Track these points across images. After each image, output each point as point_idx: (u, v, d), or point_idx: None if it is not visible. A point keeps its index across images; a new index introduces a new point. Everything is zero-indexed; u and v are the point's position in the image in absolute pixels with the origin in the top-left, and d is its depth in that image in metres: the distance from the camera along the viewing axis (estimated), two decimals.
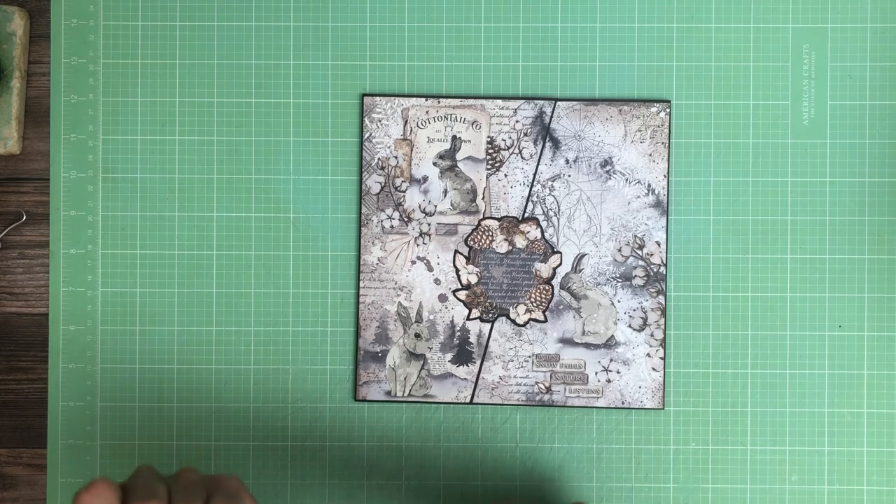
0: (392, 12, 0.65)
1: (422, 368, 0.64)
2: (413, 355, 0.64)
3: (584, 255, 0.64)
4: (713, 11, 0.65)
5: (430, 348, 0.64)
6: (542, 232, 0.64)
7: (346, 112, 0.65)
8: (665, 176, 0.64)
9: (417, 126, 0.64)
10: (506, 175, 0.64)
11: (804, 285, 0.64)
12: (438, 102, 0.64)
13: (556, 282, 0.64)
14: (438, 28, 0.65)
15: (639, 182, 0.64)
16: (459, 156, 0.64)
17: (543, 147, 0.64)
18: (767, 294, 0.64)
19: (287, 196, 0.65)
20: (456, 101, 0.64)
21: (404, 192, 0.64)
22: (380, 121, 0.64)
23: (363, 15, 0.65)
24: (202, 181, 0.65)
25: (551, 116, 0.64)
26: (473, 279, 0.64)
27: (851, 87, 0.64)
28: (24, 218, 0.65)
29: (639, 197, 0.64)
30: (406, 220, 0.64)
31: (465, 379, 0.64)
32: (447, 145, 0.64)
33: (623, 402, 0.64)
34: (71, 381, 0.65)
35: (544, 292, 0.64)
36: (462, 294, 0.64)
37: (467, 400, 0.64)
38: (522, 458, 0.65)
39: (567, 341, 0.64)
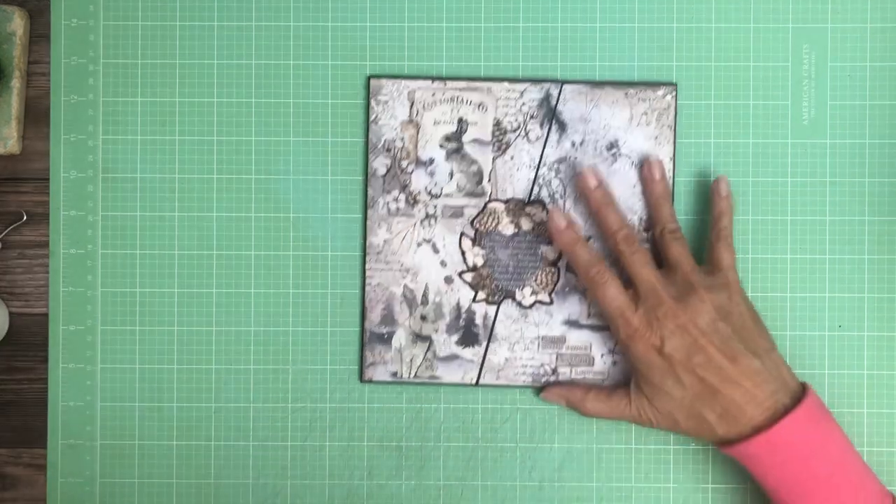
0: (392, 11, 0.65)
1: (428, 350, 0.64)
2: (419, 337, 0.64)
3: (589, 238, 0.64)
4: (713, 11, 0.65)
5: (436, 330, 0.64)
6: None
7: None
8: (671, 159, 0.64)
9: (423, 108, 0.64)
10: (512, 157, 0.64)
11: (804, 285, 0.64)
12: (444, 84, 0.64)
13: (562, 264, 0.64)
14: (439, 28, 0.65)
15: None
16: (466, 138, 0.64)
17: (550, 129, 0.64)
18: (767, 294, 0.64)
19: (287, 196, 0.65)
20: (462, 84, 0.64)
21: (410, 174, 0.64)
22: (386, 103, 0.64)
23: (363, 15, 0.65)
24: (202, 181, 0.65)
25: (557, 99, 0.64)
26: (479, 261, 0.64)
27: (851, 87, 0.64)
28: (25, 218, 0.65)
29: None
30: (412, 202, 0.64)
31: (470, 360, 0.64)
32: (453, 127, 0.64)
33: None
34: (71, 381, 0.65)
35: (550, 274, 0.64)
36: (468, 276, 0.64)
37: (473, 381, 0.64)
38: (522, 458, 0.65)
39: (573, 323, 0.64)
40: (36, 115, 0.65)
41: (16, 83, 0.64)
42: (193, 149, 0.65)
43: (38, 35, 0.65)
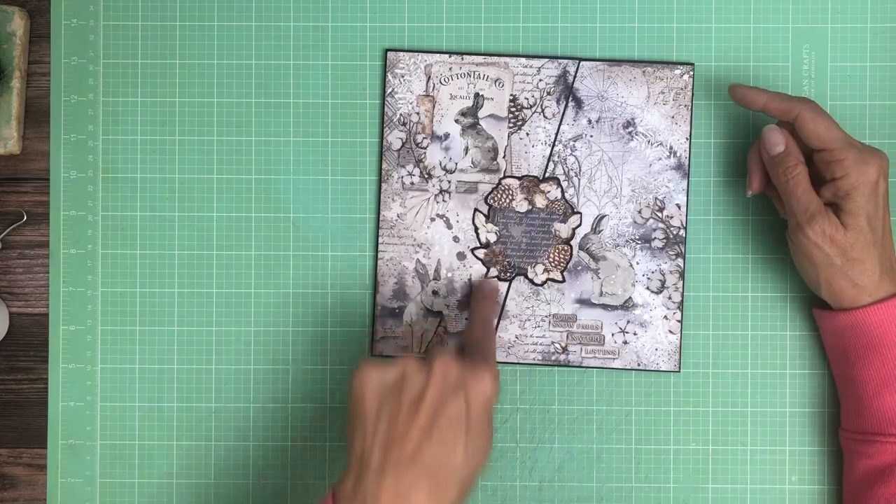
0: (393, 11, 0.65)
1: (438, 325, 0.64)
2: (430, 312, 0.64)
3: (603, 217, 0.64)
4: (713, 11, 0.65)
5: (448, 306, 0.64)
6: (563, 192, 0.64)
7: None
8: (687, 139, 0.64)
9: (440, 82, 0.64)
10: (528, 134, 0.64)
11: (805, 285, 0.64)
12: (462, 59, 0.64)
13: (574, 242, 0.64)
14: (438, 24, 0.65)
15: (661, 144, 0.64)
16: (482, 113, 0.64)
17: (566, 107, 0.64)
18: (768, 294, 0.64)
19: (287, 196, 0.65)
20: (479, 59, 0.64)
21: (425, 148, 0.64)
22: (402, 76, 0.64)
23: (363, 15, 0.65)
24: (202, 181, 0.65)
25: (575, 76, 0.64)
26: (492, 238, 0.64)
27: (851, 87, 0.64)
28: (25, 218, 0.65)
29: (660, 159, 0.64)
30: (426, 176, 0.64)
31: None
32: (469, 102, 0.64)
33: (639, 364, 0.63)
34: (71, 381, 0.65)
35: (563, 252, 0.64)
36: (481, 252, 0.64)
37: None
38: (522, 458, 0.65)
39: (584, 302, 0.64)
40: (36, 115, 0.65)
41: (16, 83, 0.64)
42: (193, 149, 0.65)
43: (38, 35, 0.65)
